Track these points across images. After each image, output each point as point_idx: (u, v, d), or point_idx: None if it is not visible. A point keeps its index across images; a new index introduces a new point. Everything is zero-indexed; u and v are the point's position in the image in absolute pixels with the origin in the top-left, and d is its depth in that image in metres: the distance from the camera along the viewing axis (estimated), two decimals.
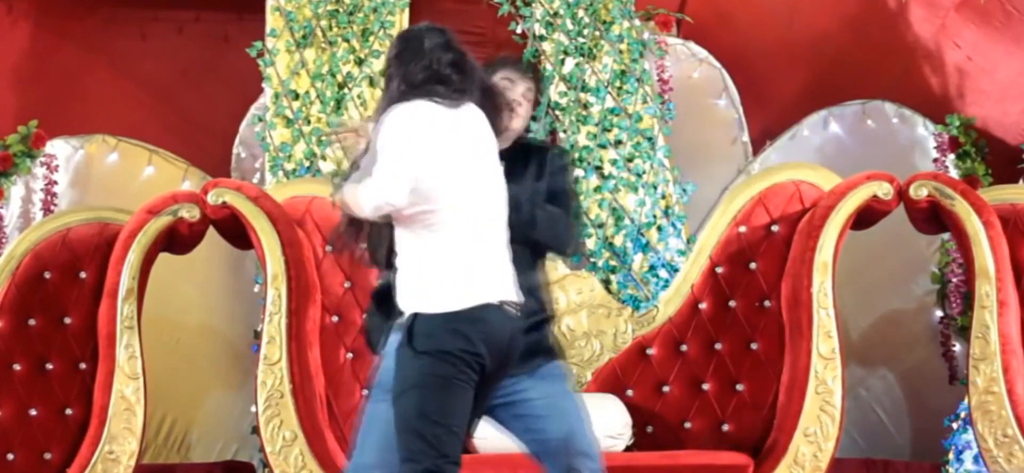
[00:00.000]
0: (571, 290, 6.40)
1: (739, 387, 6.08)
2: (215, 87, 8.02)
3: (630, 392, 6.22)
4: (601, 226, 6.68)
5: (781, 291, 6.00)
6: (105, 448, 5.86)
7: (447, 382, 4.13)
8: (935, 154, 7.42)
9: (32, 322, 6.10)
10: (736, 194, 6.23)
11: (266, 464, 5.80)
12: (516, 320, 4.27)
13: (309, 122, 6.82)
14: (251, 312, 7.13)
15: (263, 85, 6.97)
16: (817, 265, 5.78)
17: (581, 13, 6.85)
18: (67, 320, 6.09)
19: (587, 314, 6.29)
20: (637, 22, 7.05)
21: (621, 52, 6.88)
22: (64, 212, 6.59)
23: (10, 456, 6.02)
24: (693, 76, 7.74)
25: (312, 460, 5.73)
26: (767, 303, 6.06)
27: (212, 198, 5.94)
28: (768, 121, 7.86)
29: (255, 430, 6.09)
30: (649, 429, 6.17)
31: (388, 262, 4.34)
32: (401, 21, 6.97)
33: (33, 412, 6.05)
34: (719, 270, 6.17)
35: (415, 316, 4.17)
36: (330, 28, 6.91)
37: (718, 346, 6.16)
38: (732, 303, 6.15)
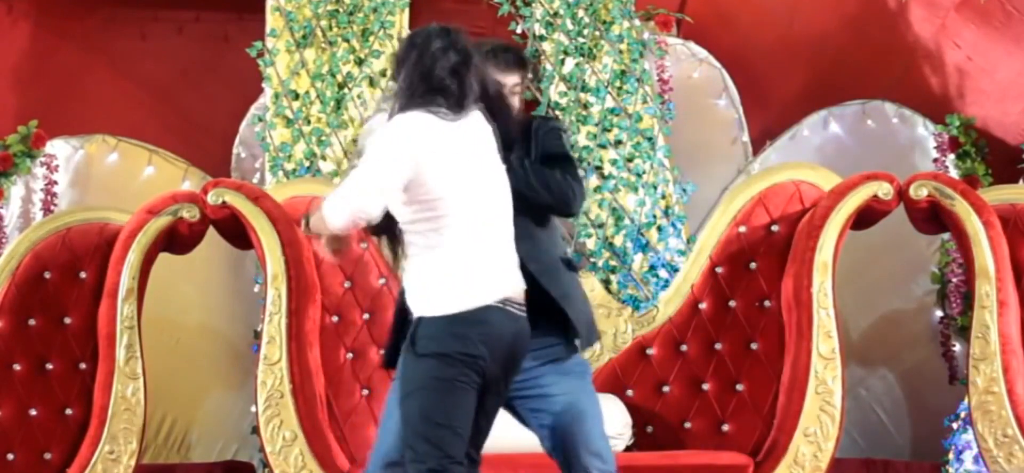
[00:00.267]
0: None
1: (739, 387, 6.08)
2: (215, 87, 8.02)
3: (630, 392, 6.21)
4: (601, 226, 6.68)
5: (781, 291, 6.00)
6: (105, 448, 5.86)
7: (449, 384, 4.17)
8: (935, 154, 7.42)
9: (32, 322, 6.10)
10: (736, 194, 6.23)
11: (266, 464, 5.80)
12: (520, 320, 4.29)
13: (309, 122, 6.82)
14: (251, 312, 7.13)
15: (263, 85, 6.97)
16: (817, 265, 5.78)
17: (581, 13, 6.85)
18: (67, 320, 6.09)
19: None
20: (637, 22, 7.05)
21: (621, 52, 6.88)
22: (64, 212, 6.59)
23: (10, 456, 6.02)
24: (693, 76, 7.74)
25: (312, 460, 5.73)
26: (767, 303, 6.06)
27: (212, 198, 5.94)
28: (768, 121, 7.86)
29: (255, 430, 6.09)
30: (649, 429, 6.17)
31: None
32: (401, 21, 6.97)
33: (33, 412, 6.05)
34: (719, 270, 6.17)
35: (419, 319, 4.22)
36: (330, 28, 6.91)
37: (718, 346, 6.15)
38: (732, 303, 6.14)
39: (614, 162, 6.73)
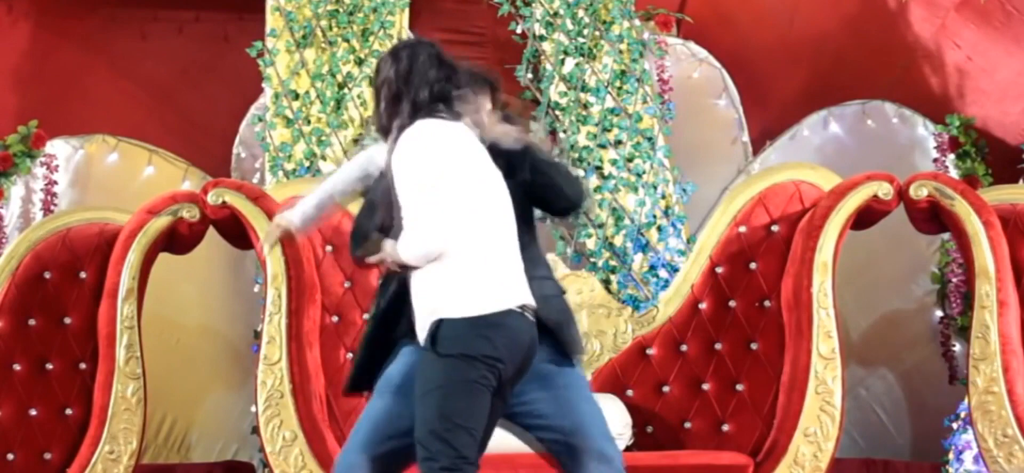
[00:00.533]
0: (571, 290, 6.39)
1: (739, 387, 6.08)
2: (215, 87, 8.02)
3: (630, 392, 6.21)
4: (601, 226, 6.68)
5: (781, 291, 6.00)
6: (105, 448, 5.86)
7: (470, 385, 4.19)
8: (935, 154, 7.42)
9: (32, 322, 6.10)
10: (736, 194, 6.23)
11: (266, 464, 5.80)
12: (534, 328, 4.32)
13: (309, 122, 6.82)
14: (251, 312, 7.13)
15: (263, 85, 6.97)
16: (817, 265, 5.78)
17: (581, 13, 6.85)
18: (67, 320, 6.09)
19: (587, 314, 6.28)
20: (637, 22, 7.05)
21: (621, 52, 6.88)
22: (64, 212, 6.60)
23: (10, 456, 6.02)
24: (693, 76, 7.75)
25: (312, 460, 5.73)
26: (767, 303, 6.06)
27: (212, 198, 5.94)
28: (768, 121, 7.87)
29: (255, 430, 6.09)
30: (649, 429, 6.17)
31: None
32: (401, 21, 6.98)
33: (33, 412, 6.05)
34: (719, 270, 6.17)
35: (440, 321, 4.21)
36: (330, 28, 6.91)
37: (718, 346, 6.15)
38: (732, 303, 6.14)
39: (614, 162, 6.73)
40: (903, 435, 7.43)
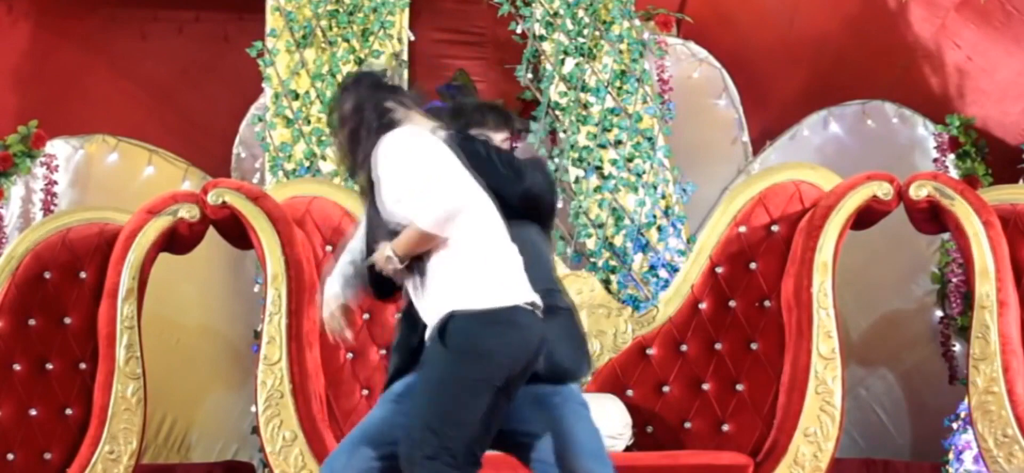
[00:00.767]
0: (571, 290, 6.39)
1: (739, 387, 6.08)
2: (215, 87, 8.02)
3: (630, 392, 6.21)
4: (601, 226, 6.68)
5: (781, 291, 6.00)
6: (105, 448, 5.86)
7: (471, 382, 4.17)
8: (935, 154, 7.43)
9: (32, 322, 6.10)
10: (736, 194, 6.23)
11: (266, 464, 5.80)
12: (541, 326, 4.28)
13: (309, 122, 6.82)
14: (251, 312, 7.13)
15: (263, 85, 6.97)
16: (817, 265, 5.78)
17: (581, 13, 6.85)
18: (67, 320, 6.09)
19: (587, 314, 6.28)
20: (637, 22, 7.05)
21: (621, 52, 6.88)
22: (64, 212, 6.59)
23: (10, 456, 6.02)
24: (693, 76, 7.75)
25: (312, 460, 5.73)
26: (767, 303, 6.06)
27: (212, 198, 5.94)
28: (768, 121, 7.87)
29: (255, 430, 6.09)
30: (649, 429, 6.17)
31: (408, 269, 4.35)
32: (401, 21, 6.97)
33: (33, 412, 6.05)
34: (719, 270, 6.17)
35: (450, 314, 4.19)
36: (330, 28, 6.91)
37: (718, 346, 6.15)
38: (732, 303, 6.14)
39: (614, 162, 6.73)
40: (903, 435, 7.43)
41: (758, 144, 7.76)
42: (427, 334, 4.27)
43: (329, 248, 6.10)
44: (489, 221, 4.28)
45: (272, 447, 5.76)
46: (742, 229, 6.15)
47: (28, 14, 7.91)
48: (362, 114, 4.35)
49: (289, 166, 6.80)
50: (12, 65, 7.88)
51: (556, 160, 6.71)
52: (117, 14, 8.08)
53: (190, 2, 8.12)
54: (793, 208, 6.09)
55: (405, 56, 6.96)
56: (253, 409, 6.02)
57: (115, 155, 7.69)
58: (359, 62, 6.87)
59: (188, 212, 5.96)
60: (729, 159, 7.71)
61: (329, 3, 6.93)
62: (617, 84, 6.82)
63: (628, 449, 6.02)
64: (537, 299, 4.29)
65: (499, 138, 4.68)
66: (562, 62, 6.84)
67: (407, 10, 7.02)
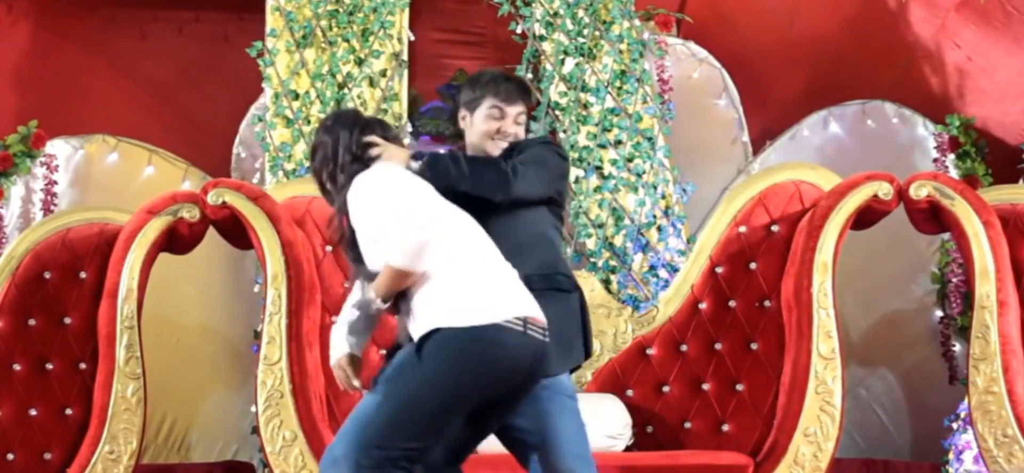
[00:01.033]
0: None
1: (739, 387, 6.08)
2: (215, 87, 8.03)
3: (630, 392, 6.21)
4: (601, 226, 6.68)
5: (781, 291, 6.00)
6: (105, 448, 5.86)
7: (435, 405, 4.17)
8: (935, 154, 7.43)
9: (32, 322, 6.10)
10: (736, 194, 6.23)
11: (266, 464, 5.80)
12: (539, 343, 4.24)
13: (309, 122, 6.82)
14: (251, 312, 7.13)
15: (263, 85, 6.97)
16: (817, 265, 5.78)
17: (581, 13, 6.85)
18: (67, 320, 6.09)
19: None
20: (637, 22, 7.05)
21: (621, 52, 6.88)
22: (64, 212, 6.59)
23: (10, 456, 6.02)
24: (693, 76, 7.75)
25: (312, 460, 5.73)
26: (767, 303, 6.06)
27: (212, 198, 5.94)
28: (768, 121, 7.87)
29: (255, 430, 6.09)
30: (649, 429, 6.17)
31: (396, 308, 4.36)
32: (401, 21, 6.98)
33: (33, 412, 6.05)
34: (719, 270, 6.17)
35: (432, 331, 4.20)
36: (330, 28, 6.91)
37: (718, 346, 6.15)
38: (732, 303, 6.14)
39: (614, 162, 6.73)
40: (903, 435, 7.43)
41: (758, 144, 7.76)
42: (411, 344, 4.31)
43: (329, 248, 6.10)
44: (466, 243, 4.29)
45: (272, 447, 5.76)
46: (742, 229, 6.15)
47: (28, 14, 7.92)
48: (338, 154, 4.42)
49: (289, 166, 6.81)
50: (12, 65, 7.89)
51: None
52: (117, 14, 8.08)
53: (190, 2, 8.12)
54: (793, 208, 6.09)
55: (405, 56, 6.97)
56: (253, 409, 6.02)
57: (115, 155, 7.70)
58: (359, 62, 6.87)
59: (188, 212, 5.97)
60: (729, 159, 7.71)
61: (329, 3, 6.93)
62: (617, 84, 6.82)
63: (628, 449, 6.02)
64: (529, 311, 4.24)
65: (514, 112, 4.67)
66: (562, 62, 6.84)
67: (407, 10, 7.02)
